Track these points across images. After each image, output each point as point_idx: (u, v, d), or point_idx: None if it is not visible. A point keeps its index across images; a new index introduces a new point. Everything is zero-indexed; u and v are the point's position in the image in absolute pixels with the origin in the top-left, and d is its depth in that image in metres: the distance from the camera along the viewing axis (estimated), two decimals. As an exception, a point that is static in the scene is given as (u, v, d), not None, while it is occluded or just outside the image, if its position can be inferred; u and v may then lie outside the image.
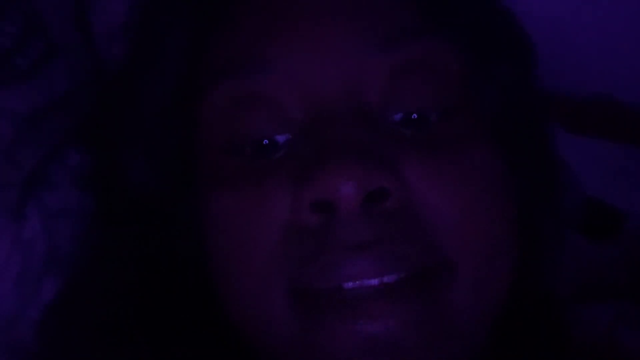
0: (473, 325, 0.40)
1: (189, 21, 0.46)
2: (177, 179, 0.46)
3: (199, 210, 0.44)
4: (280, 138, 0.41)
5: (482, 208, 0.40)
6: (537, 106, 0.49)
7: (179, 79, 0.46)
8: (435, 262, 0.39)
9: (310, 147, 0.39)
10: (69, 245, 0.48)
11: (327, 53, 0.41)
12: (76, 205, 0.48)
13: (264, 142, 0.41)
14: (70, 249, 0.48)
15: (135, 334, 0.44)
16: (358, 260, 0.37)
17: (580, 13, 0.80)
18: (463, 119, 0.42)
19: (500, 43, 0.47)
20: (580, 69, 0.80)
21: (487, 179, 0.41)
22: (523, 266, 0.45)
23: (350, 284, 0.38)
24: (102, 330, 0.44)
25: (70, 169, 0.49)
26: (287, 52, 0.41)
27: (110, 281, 0.46)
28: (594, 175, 0.72)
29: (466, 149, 0.41)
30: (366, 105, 0.41)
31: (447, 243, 0.39)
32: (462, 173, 0.40)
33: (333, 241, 0.38)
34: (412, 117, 0.41)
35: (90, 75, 0.53)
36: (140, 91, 0.47)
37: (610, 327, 0.53)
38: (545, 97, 0.58)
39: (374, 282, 0.38)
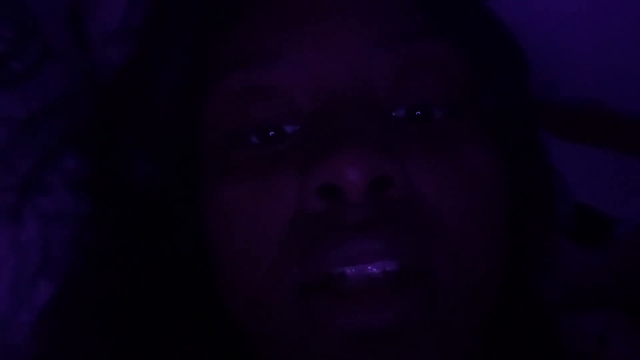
0: (466, 321, 0.41)
1: (198, 14, 0.47)
2: (182, 172, 0.47)
3: (203, 203, 0.44)
4: (288, 128, 0.42)
5: (479, 204, 0.42)
6: (531, 113, 0.50)
7: (188, 71, 0.46)
8: (432, 253, 0.40)
9: (318, 136, 0.40)
10: (63, 249, 0.48)
11: (337, 48, 0.42)
12: (71, 209, 0.49)
13: (270, 134, 0.42)
14: (65, 253, 0.48)
15: (130, 336, 0.44)
16: (361, 240, 0.38)
17: (571, 22, 0.80)
18: (464, 120, 0.44)
19: (497, 50, 0.48)
20: (569, 76, 0.81)
21: (485, 178, 0.43)
22: (514, 269, 0.46)
23: (352, 270, 0.38)
24: (97, 333, 0.45)
25: (66, 173, 0.49)
26: (298, 45, 0.42)
27: (106, 284, 0.46)
28: (584, 182, 0.73)
29: (466, 148, 0.43)
30: (373, 99, 0.42)
31: (444, 235, 0.40)
32: (461, 170, 0.42)
33: (338, 223, 0.39)
34: (416, 113, 0.42)
35: (85, 79, 0.53)
36: (148, 84, 0.48)
37: (599, 335, 0.53)
38: (538, 104, 0.58)
39: (376, 269, 0.38)
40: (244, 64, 0.43)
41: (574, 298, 0.62)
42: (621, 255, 0.67)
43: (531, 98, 0.50)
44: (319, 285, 0.39)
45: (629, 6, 0.81)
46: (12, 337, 0.48)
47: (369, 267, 0.38)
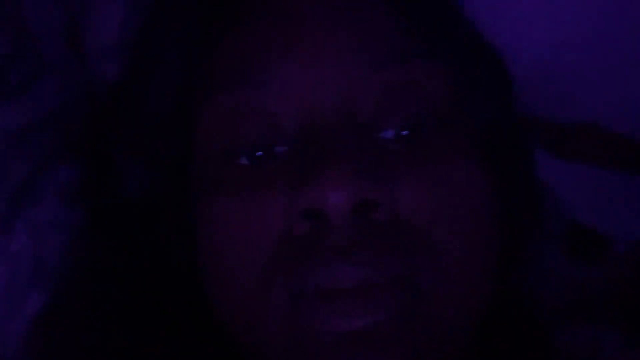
0: (452, 334, 0.41)
1: (191, 34, 0.48)
2: (175, 185, 0.47)
3: (196, 216, 0.45)
4: (277, 149, 0.43)
5: (466, 218, 0.42)
6: (518, 128, 0.51)
7: (180, 88, 0.47)
8: (416, 266, 0.40)
9: (304, 159, 0.41)
10: (55, 258, 0.48)
11: (322, 70, 0.42)
12: (63, 219, 0.49)
13: (258, 154, 0.43)
14: (57, 262, 0.48)
15: (121, 345, 0.44)
16: (342, 266, 0.39)
17: (567, 42, 0.81)
18: (451, 138, 0.44)
19: (482, 68, 0.49)
20: (565, 95, 0.82)
21: (472, 191, 0.43)
22: (504, 282, 0.46)
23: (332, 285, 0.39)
24: (89, 342, 0.45)
25: (58, 183, 0.49)
26: (284, 68, 0.43)
27: (97, 294, 0.47)
28: (579, 199, 0.73)
29: (453, 163, 0.43)
30: (359, 120, 0.42)
31: (430, 250, 0.40)
32: (448, 185, 0.42)
33: (322, 247, 0.39)
34: (403, 133, 0.43)
35: (80, 93, 0.53)
36: (141, 98, 0.48)
37: (592, 347, 0.53)
38: (528, 122, 0.59)
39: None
40: (230, 86, 0.44)
41: (568, 313, 0.62)
42: (615, 272, 0.67)
43: (517, 114, 0.51)
44: (305, 293, 0.40)
45: (624, 27, 0.82)
46: (4, 347, 0.48)
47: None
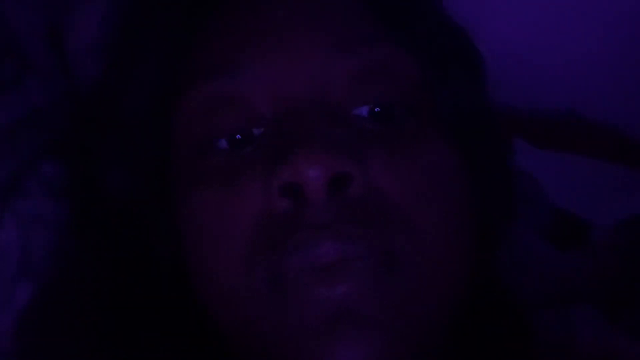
0: (429, 310, 0.42)
1: (170, 28, 0.49)
2: (155, 181, 0.48)
3: (176, 211, 0.46)
4: (256, 131, 0.44)
5: (438, 199, 0.43)
6: (492, 118, 0.52)
7: (157, 85, 0.48)
8: (392, 246, 0.41)
9: (279, 139, 0.42)
10: (42, 252, 0.49)
11: (294, 57, 0.44)
12: (50, 213, 0.50)
13: (237, 137, 0.44)
14: (44, 256, 0.49)
15: (111, 338, 0.45)
16: (323, 241, 0.40)
17: (547, 33, 0.82)
18: (422, 119, 0.45)
19: (452, 53, 0.50)
20: (546, 86, 0.83)
21: (444, 174, 0.44)
22: (482, 267, 0.47)
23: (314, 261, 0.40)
24: (78, 335, 0.45)
25: (44, 178, 0.50)
26: (257, 57, 0.45)
27: (85, 286, 0.47)
28: (561, 187, 0.74)
29: (425, 144, 0.44)
30: (331, 102, 0.44)
31: (406, 226, 0.41)
32: (421, 166, 0.43)
33: (301, 223, 0.40)
34: (375, 110, 0.44)
35: (64, 93, 0.54)
36: (120, 96, 0.49)
37: (572, 330, 0.54)
38: (506, 111, 0.60)
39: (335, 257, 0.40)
40: (207, 76, 0.46)
41: (551, 299, 0.63)
42: (596, 257, 0.68)
43: (490, 103, 0.52)
44: (286, 272, 0.41)
45: (603, 19, 0.83)
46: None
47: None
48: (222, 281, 0.43)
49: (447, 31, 0.51)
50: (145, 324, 0.46)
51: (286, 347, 0.41)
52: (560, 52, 0.84)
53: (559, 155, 0.79)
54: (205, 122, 0.45)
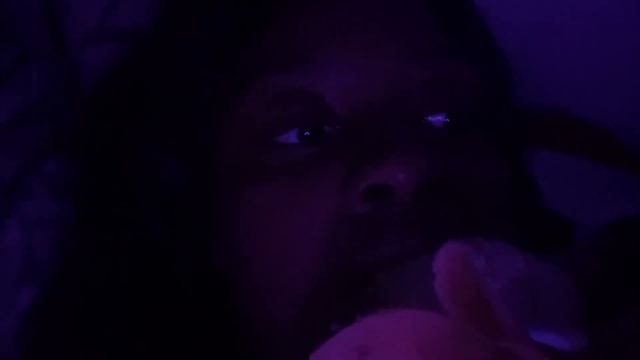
0: None
1: (235, 14, 0.47)
2: (199, 177, 0.47)
3: (223, 209, 0.45)
4: (326, 129, 0.43)
5: (502, 215, 0.44)
6: (521, 128, 0.53)
7: (221, 71, 0.46)
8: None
9: (362, 140, 0.42)
10: (45, 254, 0.48)
11: (373, 59, 0.44)
12: (54, 214, 0.49)
13: (306, 134, 0.43)
14: (47, 258, 0.48)
15: (113, 341, 0.45)
16: (410, 236, 0.40)
17: (539, 30, 0.82)
18: (483, 134, 0.46)
19: (501, 73, 0.51)
20: (534, 83, 0.83)
21: (503, 189, 0.45)
22: None
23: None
24: (81, 337, 0.45)
25: (48, 178, 0.49)
26: (335, 54, 0.44)
27: (88, 289, 0.47)
28: (546, 186, 0.75)
29: (489, 162, 0.45)
30: (408, 108, 0.44)
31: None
32: (485, 180, 0.44)
33: (385, 223, 0.40)
34: (445, 120, 0.45)
35: (65, 82, 0.53)
36: (178, 83, 0.48)
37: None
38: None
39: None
40: (279, 68, 0.44)
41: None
42: (580, 258, 0.69)
43: (519, 112, 0.53)
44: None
45: (594, 16, 0.83)
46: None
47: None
48: (290, 297, 0.41)
49: (495, 49, 0.52)
50: (149, 326, 0.45)
51: None
52: (552, 50, 0.84)
53: (546, 153, 0.79)
54: (271, 115, 0.44)
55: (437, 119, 0.45)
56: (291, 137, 0.43)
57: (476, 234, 0.40)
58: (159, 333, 0.45)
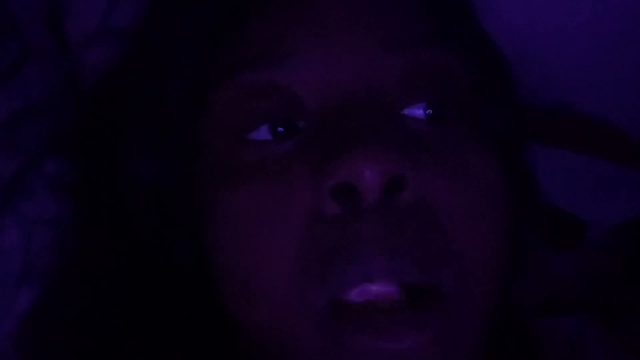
0: (477, 335, 0.41)
1: (210, 11, 0.47)
2: (184, 176, 0.46)
3: (205, 209, 0.44)
4: (300, 124, 0.42)
5: (486, 217, 0.42)
6: (518, 121, 0.51)
7: (197, 70, 0.46)
8: (440, 269, 0.39)
9: (330, 134, 0.40)
10: (45, 255, 0.47)
11: (344, 50, 0.42)
12: (53, 214, 0.48)
13: (279, 129, 0.42)
14: (46, 258, 0.47)
15: (112, 343, 0.44)
16: (377, 256, 0.38)
17: (543, 27, 0.81)
18: (469, 127, 0.44)
19: (492, 65, 0.49)
20: (539, 80, 0.82)
21: (492, 186, 0.43)
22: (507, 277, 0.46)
23: (373, 297, 0.39)
24: (80, 338, 0.44)
25: (48, 177, 0.48)
26: (307, 47, 0.43)
27: (87, 290, 0.46)
28: (555, 185, 0.74)
29: (475, 156, 0.43)
30: (382, 100, 0.42)
31: (453, 248, 0.40)
32: (470, 178, 0.42)
33: (354, 232, 0.38)
34: (427, 112, 0.43)
35: (66, 81, 0.52)
36: (154, 83, 0.47)
37: (574, 340, 0.54)
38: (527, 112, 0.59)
39: (396, 295, 0.39)
40: (250, 64, 0.43)
41: (547, 301, 0.63)
42: (592, 258, 0.68)
43: (518, 107, 0.51)
44: (339, 310, 0.39)
45: (597, 13, 0.82)
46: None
47: (389, 289, 0.39)
48: (264, 298, 0.41)
49: (486, 39, 0.50)
50: (149, 327, 0.45)
51: None
52: (557, 46, 0.83)
53: (554, 151, 0.78)
54: (245, 110, 0.43)
55: (419, 112, 0.43)
56: (263, 133, 0.42)
57: (445, 255, 0.39)
58: (158, 333, 0.44)
